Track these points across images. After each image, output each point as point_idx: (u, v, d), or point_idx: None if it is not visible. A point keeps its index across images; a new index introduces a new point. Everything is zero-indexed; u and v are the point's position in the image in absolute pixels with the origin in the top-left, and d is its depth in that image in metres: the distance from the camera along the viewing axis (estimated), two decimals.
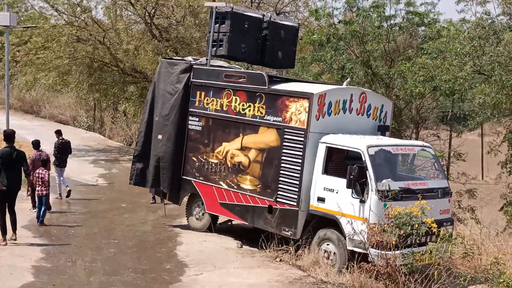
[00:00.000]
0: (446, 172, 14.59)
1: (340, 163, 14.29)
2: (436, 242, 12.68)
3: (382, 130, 15.32)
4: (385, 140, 14.27)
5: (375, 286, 11.73)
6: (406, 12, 25.13)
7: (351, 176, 13.04)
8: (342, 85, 15.46)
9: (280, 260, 13.79)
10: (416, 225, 10.78)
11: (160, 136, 16.67)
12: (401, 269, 10.26)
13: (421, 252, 12.72)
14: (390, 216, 11.12)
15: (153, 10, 28.14)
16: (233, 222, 16.88)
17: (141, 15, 28.34)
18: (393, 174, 13.99)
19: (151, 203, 20.05)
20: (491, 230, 17.16)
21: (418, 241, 12.81)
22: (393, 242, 10.66)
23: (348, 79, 16.45)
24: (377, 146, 13.61)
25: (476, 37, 20.16)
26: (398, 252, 11.53)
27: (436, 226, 11.20)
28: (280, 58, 17.20)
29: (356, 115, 14.96)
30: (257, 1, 32.07)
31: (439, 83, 20.40)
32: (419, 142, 14.71)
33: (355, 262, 12.66)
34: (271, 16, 17.19)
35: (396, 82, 25.71)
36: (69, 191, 19.67)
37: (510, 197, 20.04)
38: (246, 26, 16.49)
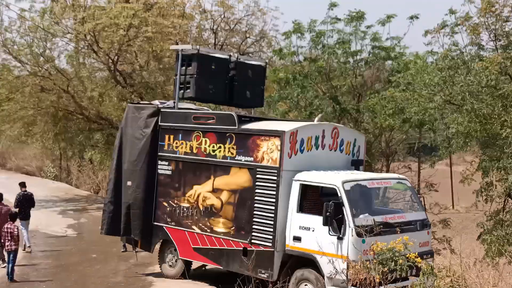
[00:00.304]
0: (423, 204, 14.34)
1: (315, 200, 14.05)
2: (417, 276, 12.48)
3: (356, 164, 15.13)
4: (360, 175, 14.07)
5: None
6: (372, 47, 25.27)
7: (327, 213, 12.78)
8: (313, 121, 15.26)
9: None
10: (400, 261, 10.50)
11: (129, 183, 16.30)
12: None
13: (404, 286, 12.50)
14: (373, 252, 10.82)
15: (116, 57, 27.92)
16: (207, 267, 16.45)
17: (104, 62, 28.12)
18: (369, 208, 13.79)
19: (122, 251, 19.56)
20: (470, 260, 16.98)
21: (400, 276, 12.57)
22: (377, 280, 10.37)
23: (320, 115, 16.30)
24: (352, 181, 13.40)
25: (445, 67, 20.22)
26: None
27: (420, 260, 10.93)
28: (248, 97, 17.01)
29: (329, 151, 14.76)
30: (220, 44, 31.99)
31: (409, 115, 20.33)
32: (395, 175, 14.57)
33: None
34: (238, 56, 17.03)
35: (365, 116, 25.76)
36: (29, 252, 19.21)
37: (487, 226, 19.85)
38: (213, 67, 16.32)
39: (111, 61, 27.83)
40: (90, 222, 25.20)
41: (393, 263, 10.44)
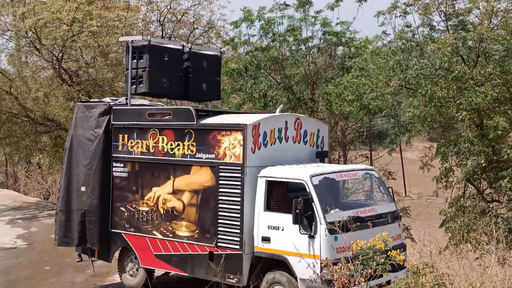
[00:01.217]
0: (392, 195, 13.66)
1: (282, 197, 13.26)
2: (393, 271, 11.84)
3: (320, 156, 14.39)
4: (327, 167, 13.29)
5: None
6: (323, 33, 24.52)
7: (297, 211, 12.00)
8: (274, 113, 14.42)
9: None
10: (382, 260, 9.76)
11: (83, 188, 15.24)
12: None
13: (380, 284, 11.83)
14: (352, 252, 10.05)
15: (61, 54, 26.58)
16: (171, 274, 15.53)
17: (48, 60, 26.77)
18: (339, 203, 13.09)
19: (78, 261, 18.44)
20: (433, 249, 16.43)
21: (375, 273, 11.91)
22: (362, 283, 9.62)
23: (281, 106, 15.45)
24: (320, 174, 12.64)
25: (399, 50, 19.66)
26: None
27: (402, 258, 10.21)
28: (205, 90, 16.10)
29: (292, 143, 13.97)
30: (167, 36, 30.95)
31: (367, 101, 19.69)
32: (362, 166, 13.84)
33: None
34: (191, 46, 16.10)
35: (320, 105, 25.06)
36: None
37: (450, 213, 19.37)
38: (166, 59, 15.37)
39: (55, 58, 26.49)
40: (41, 231, 23.86)
41: (374, 262, 9.66)
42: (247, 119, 13.42)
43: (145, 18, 29.40)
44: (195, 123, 13.74)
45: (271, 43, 24.84)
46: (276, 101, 23.83)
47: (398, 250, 12.73)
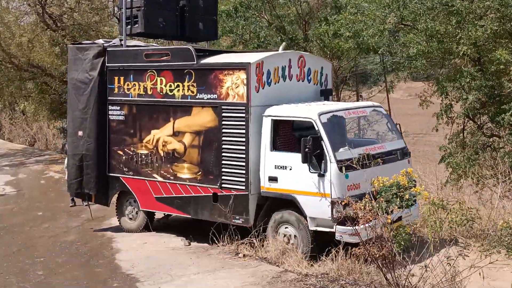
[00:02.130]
0: (400, 131, 13.36)
1: (288, 136, 12.93)
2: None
3: (325, 94, 14.03)
4: (334, 105, 12.94)
5: (365, 270, 10.36)
6: None
7: (306, 149, 11.66)
8: (277, 50, 13.98)
9: (244, 256, 12.16)
10: (406, 196, 9.47)
11: (80, 133, 14.83)
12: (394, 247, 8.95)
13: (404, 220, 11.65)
14: (374, 189, 9.74)
15: None
16: (171, 216, 15.25)
17: (31, 4, 26.01)
18: (347, 140, 12.77)
19: (71, 206, 18.23)
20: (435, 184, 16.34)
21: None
22: (389, 220, 9.33)
23: (284, 43, 14.95)
24: (328, 112, 12.27)
25: None
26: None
27: (427, 193, 9.93)
28: (201, 29, 15.58)
29: (296, 82, 13.57)
30: None
31: (366, 37, 19.27)
32: (369, 103, 13.47)
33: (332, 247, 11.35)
34: None
35: (313, 45, 24.64)
36: None
37: (450, 148, 19.14)
38: None
39: (38, 3, 25.75)
40: (30, 177, 23.50)
41: (398, 199, 9.38)
42: (250, 57, 12.99)
43: None
44: (195, 63, 13.29)
45: None
46: (268, 42, 23.38)
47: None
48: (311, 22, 24.04)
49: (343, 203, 10.85)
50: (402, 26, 19.33)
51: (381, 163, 12.03)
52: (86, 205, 16.21)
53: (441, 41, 18.04)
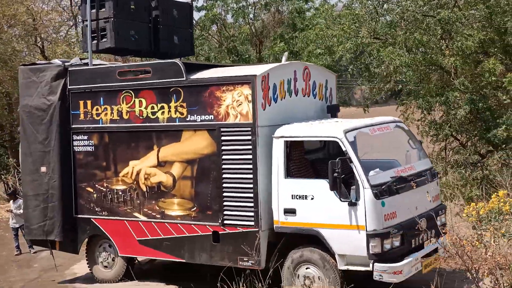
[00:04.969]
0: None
1: (301, 160, 11.04)
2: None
3: (332, 111, 12.25)
4: (355, 122, 11.09)
5: None
6: None
7: (335, 174, 9.79)
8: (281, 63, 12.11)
9: None
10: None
11: (43, 168, 12.52)
12: None
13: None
14: (479, 218, 7.95)
15: None
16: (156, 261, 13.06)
17: None
18: (373, 161, 11.05)
19: (16, 254, 15.91)
20: None
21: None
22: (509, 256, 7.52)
23: (286, 53, 13.07)
24: (354, 129, 10.50)
25: None
26: None
27: None
28: (177, 43, 13.60)
29: (302, 97, 11.75)
30: None
31: (342, 52, 17.74)
32: (390, 118, 11.72)
33: None
34: None
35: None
36: None
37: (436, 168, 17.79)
38: (132, 7, 12.77)
39: None
40: None
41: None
42: (254, 69, 11.07)
43: None
44: (184, 79, 11.27)
45: (208, 2, 22.45)
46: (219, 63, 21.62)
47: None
48: (264, 40, 22.36)
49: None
50: (375, 40, 17.98)
51: (414, 187, 10.38)
52: (34, 253, 14.49)
53: (425, 52, 16.74)
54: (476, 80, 16.85)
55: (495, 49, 16.86)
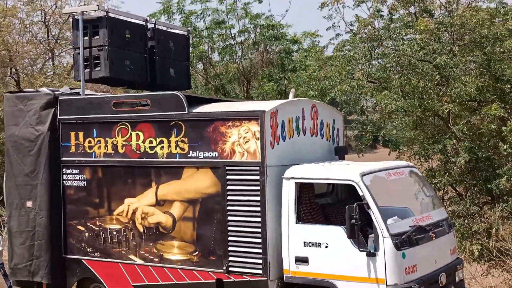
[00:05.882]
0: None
1: (312, 204, 10.29)
2: None
3: (340, 153, 11.52)
4: (369, 165, 10.39)
5: None
6: (254, 26, 21.68)
7: (353, 220, 9.08)
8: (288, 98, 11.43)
9: None
10: None
11: (29, 203, 11.61)
12: None
13: None
14: None
15: None
16: None
17: None
18: (386, 208, 10.31)
19: None
20: None
21: None
22: None
23: (293, 89, 12.39)
24: (370, 173, 9.78)
25: (359, 41, 17.41)
26: None
27: None
28: (173, 76, 12.87)
29: (310, 137, 11.05)
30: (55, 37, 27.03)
31: (337, 94, 17.19)
32: (404, 163, 11.11)
33: None
34: (156, 21, 12.83)
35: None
36: None
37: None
38: (127, 35, 12.05)
39: None
40: None
41: None
42: (262, 105, 10.38)
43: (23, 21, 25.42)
44: (186, 112, 10.53)
45: (194, 39, 21.74)
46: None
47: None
48: (252, 80, 21.71)
49: None
50: (370, 84, 17.45)
51: (433, 238, 9.73)
52: None
53: (421, 98, 16.21)
54: (473, 128, 16.35)
55: (494, 96, 16.37)
